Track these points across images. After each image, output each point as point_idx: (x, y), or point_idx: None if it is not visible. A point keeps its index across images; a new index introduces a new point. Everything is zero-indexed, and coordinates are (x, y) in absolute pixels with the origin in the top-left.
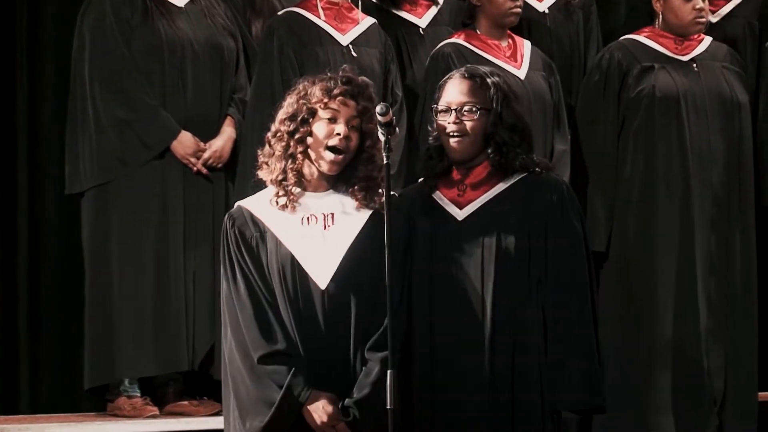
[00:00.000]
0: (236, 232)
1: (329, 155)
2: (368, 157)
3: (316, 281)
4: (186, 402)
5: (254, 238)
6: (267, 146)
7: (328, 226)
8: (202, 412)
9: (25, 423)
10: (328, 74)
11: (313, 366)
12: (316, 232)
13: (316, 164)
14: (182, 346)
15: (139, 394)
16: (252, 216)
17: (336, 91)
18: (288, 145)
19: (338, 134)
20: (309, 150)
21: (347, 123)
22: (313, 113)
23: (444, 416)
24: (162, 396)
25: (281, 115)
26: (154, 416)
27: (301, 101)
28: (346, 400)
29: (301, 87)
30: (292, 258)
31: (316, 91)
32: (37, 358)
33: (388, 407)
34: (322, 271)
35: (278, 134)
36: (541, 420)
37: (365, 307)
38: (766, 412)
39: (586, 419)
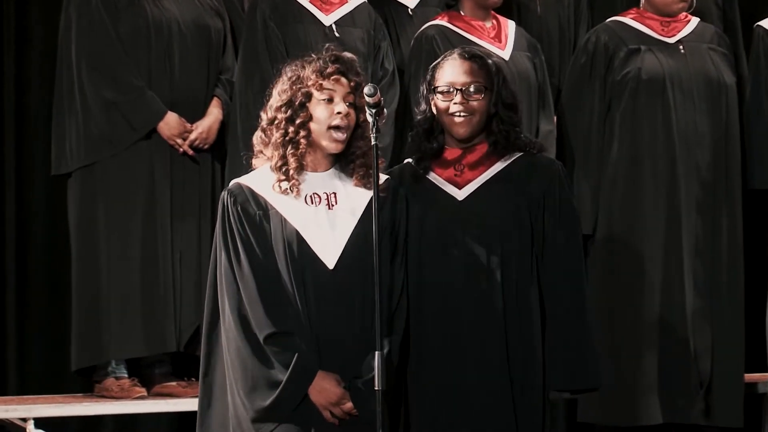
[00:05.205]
0: (239, 209)
1: (333, 134)
2: (363, 133)
3: (324, 260)
4: (173, 383)
5: (258, 215)
6: (262, 134)
7: (333, 205)
8: (190, 393)
9: (13, 404)
10: (314, 55)
11: (319, 346)
12: (321, 211)
13: (320, 145)
14: (170, 327)
15: (126, 375)
16: (254, 193)
17: (329, 70)
18: (287, 132)
19: (339, 113)
20: (312, 134)
21: (344, 100)
22: (309, 97)
23: (444, 397)
24: (149, 377)
25: (275, 102)
26: (141, 397)
27: (294, 86)
28: (354, 381)
29: (290, 73)
30: (299, 236)
31: (309, 74)
32: (25, 339)
33: (377, 388)
34: (329, 250)
35: (276, 122)
36: (542, 399)
37: (371, 287)
38: (752, 394)
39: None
